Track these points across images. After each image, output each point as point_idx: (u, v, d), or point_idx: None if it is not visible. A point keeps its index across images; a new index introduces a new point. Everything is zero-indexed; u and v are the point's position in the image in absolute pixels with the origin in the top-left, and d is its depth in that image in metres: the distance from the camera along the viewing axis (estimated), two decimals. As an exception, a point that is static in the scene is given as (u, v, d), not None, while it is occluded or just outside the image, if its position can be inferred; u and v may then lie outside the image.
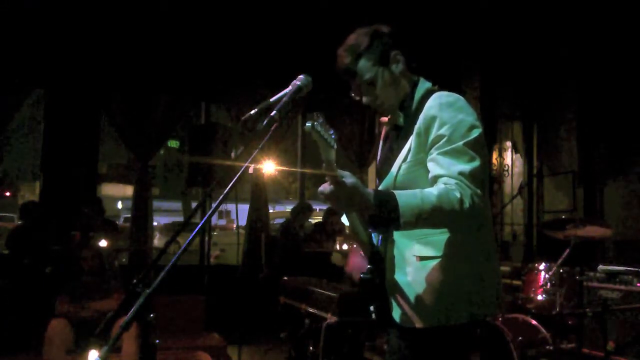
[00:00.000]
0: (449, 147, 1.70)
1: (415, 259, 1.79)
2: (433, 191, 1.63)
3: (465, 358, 1.85)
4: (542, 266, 4.16)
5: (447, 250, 1.76)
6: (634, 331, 3.80)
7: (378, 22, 1.94)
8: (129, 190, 19.66)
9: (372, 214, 1.61)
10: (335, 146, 1.55)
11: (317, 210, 11.50)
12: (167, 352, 4.45)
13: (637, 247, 5.62)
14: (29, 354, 4.45)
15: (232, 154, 5.75)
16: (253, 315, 5.78)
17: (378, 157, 2.07)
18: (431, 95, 1.82)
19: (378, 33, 1.88)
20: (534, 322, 3.94)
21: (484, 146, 1.75)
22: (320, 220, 7.34)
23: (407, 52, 1.91)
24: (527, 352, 3.74)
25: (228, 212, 26.48)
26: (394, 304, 1.83)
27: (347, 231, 6.70)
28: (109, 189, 26.34)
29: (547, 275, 4.05)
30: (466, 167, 1.67)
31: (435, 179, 1.70)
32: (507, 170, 7.61)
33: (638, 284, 3.87)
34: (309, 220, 7.60)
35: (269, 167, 7.73)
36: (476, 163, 1.68)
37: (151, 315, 1.35)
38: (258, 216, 7.21)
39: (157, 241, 14.73)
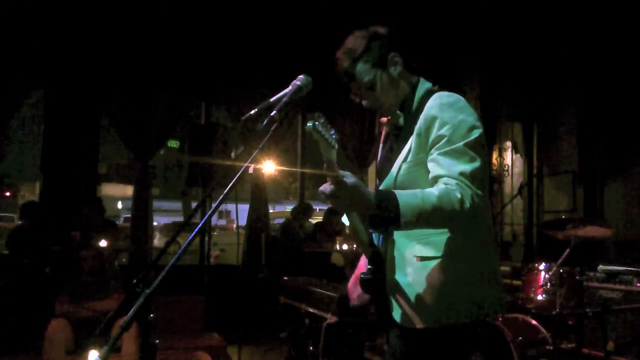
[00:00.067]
0: (449, 148, 1.70)
1: (416, 259, 1.79)
2: (434, 191, 1.63)
3: (466, 358, 1.85)
4: (542, 266, 4.16)
5: (448, 251, 1.76)
6: (634, 331, 3.80)
7: (378, 22, 1.94)
8: (129, 190, 19.65)
9: (372, 213, 1.61)
10: (336, 146, 1.55)
11: (318, 210, 11.50)
12: (167, 352, 4.44)
13: (637, 247, 5.62)
14: (29, 354, 4.45)
15: (232, 154, 5.74)
16: (253, 315, 5.78)
17: (378, 158, 2.07)
18: (431, 95, 1.82)
19: (375, 35, 1.88)
20: (534, 322, 3.94)
21: (484, 146, 1.75)
22: (321, 220, 7.35)
23: (406, 52, 1.91)
24: (527, 352, 3.74)
25: (228, 212, 26.51)
26: (395, 304, 1.83)
27: (347, 231, 6.71)
28: (109, 189, 26.35)
29: (547, 275, 4.05)
30: (467, 167, 1.67)
31: (436, 179, 1.70)
32: (507, 170, 7.61)
33: (638, 284, 3.87)
34: (309, 220, 7.61)
35: (269, 167, 7.74)
36: (477, 163, 1.68)
37: (151, 315, 1.35)
38: (258, 216, 7.21)
39: (157, 241, 14.75)
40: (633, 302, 3.80)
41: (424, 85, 1.91)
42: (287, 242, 6.86)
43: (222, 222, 27.20)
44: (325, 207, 9.27)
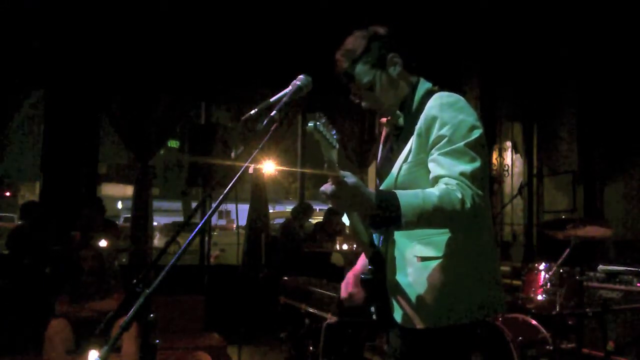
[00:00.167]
0: (449, 148, 1.70)
1: (416, 260, 1.79)
2: (434, 191, 1.63)
3: (466, 358, 1.85)
4: (542, 266, 4.16)
5: (448, 251, 1.76)
6: (634, 331, 3.80)
7: (378, 22, 1.94)
8: (129, 190, 19.66)
9: (373, 214, 1.61)
10: (337, 146, 1.55)
11: (318, 210, 11.50)
12: (167, 352, 4.44)
13: (637, 247, 5.62)
14: (29, 354, 4.45)
15: (232, 154, 5.75)
16: (253, 315, 5.78)
17: (378, 158, 2.07)
18: (431, 95, 1.82)
19: (375, 36, 1.88)
20: (534, 322, 3.94)
21: (484, 146, 1.75)
22: (321, 220, 7.35)
23: (406, 52, 1.91)
24: (527, 352, 3.74)
25: (228, 212, 26.52)
26: (395, 304, 1.83)
27: (347, 231, 6.71)
28: (109, 189, 26.36)
29: (547, 275, 4.05)
30: (467, 167, 1.67)
31: (437, 179, 1.70)
32: (507, 170, 7.61)
33: (638, 284, 3.87)
34: (309, 220, 7.61)
35: (269, 167, 7.74)
36: (477, 163, 1.68)
37: (151, 315, 1.35)
38: (258, 216, 7.21)
39: (157, 241, 14.75)
40: (633, 302, 3.80)
41: (423, 85, 1.91)
42: (287, 242, 6.87)
43: (222, 222, 27.21)
44: (325, 207, 9.27)
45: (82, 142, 6.50)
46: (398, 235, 1.84)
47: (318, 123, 1.48)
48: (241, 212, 6.05)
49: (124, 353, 3.94)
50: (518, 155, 7.52)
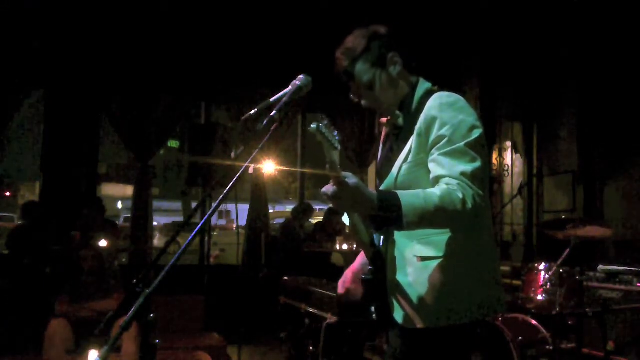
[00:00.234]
0: (450, 148, 1.70)
1: (416, 260, 1.79)
2: (436, 192, 1.63)
3: (466, 358, 1.85)
4: (542, 266, 4.16)
5: (448, 251, 1.76)
6: (634, 331, 3.80)
7: (378, 22, 1.94)
8: (129, 190, 19.67)
9: (375, 214, 1.61)
10: (339, 148, 1.55)
11: (318, 210, 11.50)
12: (167, 352, 4.44)
13: (637, 247, 5.62)
14: (29, 354, 4.45)
15: (232, 154, 5.74)
16: (253, 315, 5.78)
17: (378, 158, 2.07)
18: (431, 95, 1.82)
19: (375, 35, 1.88)
20: (534, 322, 3.94)
21: (484, 146, 1.75)
22: (321, 220, 7.35)
23: (406, 52, 1.91)
24: (527, 352, 3.74)
25: (228, 212, 26.52)
26: (395, 304, 1.82)
27: (347, 231, 6.71)
28: (109, 189, 26.36)
29: (547, 275, 4.05)
30: (468, 167, 1.67)
31: (437, 179, 1.70)
32: (507, 170, 7.61)
33: (638, 284, 3.87)
34: (309, 220, 7.62)
35: (269, 167, 7.74)
36: (477, 164, 1.68)
37: (151, 315, 1.35)
38: (258, 216, 7.21)
39: (157, 241, 14.74)
40: (633, 302, 3.80)
41: (423, 85, 1.91)
42: (287, 242, 6.87)
43: (222, 222, 27.21)
44: (325, 207, 9.27)
45: (82, 142, 6.50)
46: (398, 235, 1.83)
47: (321, 125, 1.48)
48: (241, 212, 6.05)
49: (124, 353, 3.94)
50: (518, 155, 7.53)
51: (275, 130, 1.60)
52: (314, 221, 7.87)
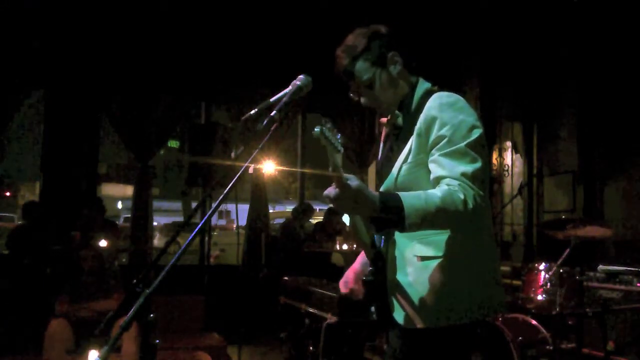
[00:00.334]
0: (450, 148, 1.70)
1: (416, 259, 1.79)
2: (437, 192, 1.63)
3: (466, 358, 1.85)
4: (542, 266, 4.16)
5: (448, 250, 1.76)
6: (634, 331, 3.80)
7: (378, 22, 1.94)
8: (129, 190, 19.67)
9: (376, 216, 1.61)
10: (342, 150, 1.55)
11: (318, 210, 11.50)
12: (167, 352, 4.44)
13: (637, 247, 5.62)
14: (29, 354, 4.45)
15: (232, 154, 5.75)
16: (253, 315, 5.78)
17: (378, 158, 2.07)
18: (431, 95, 1.82)
19: (376, 34, 1.88)
20: (534, 322, 3.94)
21: (484, 147, 1.75)
22: (321, 220, 7.35)
23: (406, 51, 1.91)
24: (527, 352, 3.74)
25: (228, 212, 26.52)
26: (395, 304, 1.82)
27: (347, 230, 6.71)
28: (109, 189, 26.36)
29: (547, 275, 4.05)
30: (468, 168, 1.67)
31: (438, 180, 1.70)
32: (507, 170, 7.61)
33: (638, 284, 3.87)
34: (309, 220, 7.62)
35: (269, 167, 7.75)
36: (478, 164, 1.68)
37: (151, 315, 1.35)
38: (258, 216, 7.22)
39: (157, 241, 14.74)
40: (633, 302, 3.80)
41: (423, 85, 1.91)
42: (287, 242, 6.87)
43: (222, 222, 27.21)
44: (325, 207, 9.27)
45: (82, 142, 6.50)
46: (398, 234, 1.83)
47: (324, 128, 1.48)
48: (241, 212, 6.05)
49: (124, 353, 3.94)
50: (518, 155, 7.52)
51: (275, 130, 1.60)
52: (314, 221, 7.86)
